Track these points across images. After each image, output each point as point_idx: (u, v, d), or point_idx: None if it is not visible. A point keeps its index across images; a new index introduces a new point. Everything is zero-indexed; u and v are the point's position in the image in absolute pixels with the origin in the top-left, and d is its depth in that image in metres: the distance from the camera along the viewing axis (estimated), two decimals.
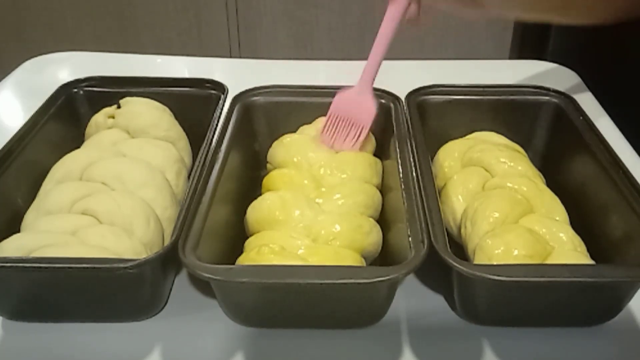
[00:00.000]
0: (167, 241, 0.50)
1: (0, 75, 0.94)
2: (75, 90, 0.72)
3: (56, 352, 0.52)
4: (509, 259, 0.52)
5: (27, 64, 0.98)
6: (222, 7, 1.81)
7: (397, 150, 0.61)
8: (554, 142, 0.69)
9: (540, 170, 0.64)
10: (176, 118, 0.70)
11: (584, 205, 0.60)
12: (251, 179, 0.67)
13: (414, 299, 0.56)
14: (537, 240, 0.54)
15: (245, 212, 0.59)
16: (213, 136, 0.62)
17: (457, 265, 0.47)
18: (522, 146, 0.68)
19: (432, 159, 0.67)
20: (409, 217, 0.52)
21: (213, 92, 0.71)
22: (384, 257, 0.58)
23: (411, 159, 0.60)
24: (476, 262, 0.54)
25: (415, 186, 0.56)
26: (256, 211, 0.58)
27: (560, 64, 0.96)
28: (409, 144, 0.62)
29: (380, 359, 0.52)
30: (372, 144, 0.68)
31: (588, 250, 0.55)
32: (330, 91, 0.67)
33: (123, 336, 0.53)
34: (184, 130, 0.69)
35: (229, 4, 1.80)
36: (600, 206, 0.58)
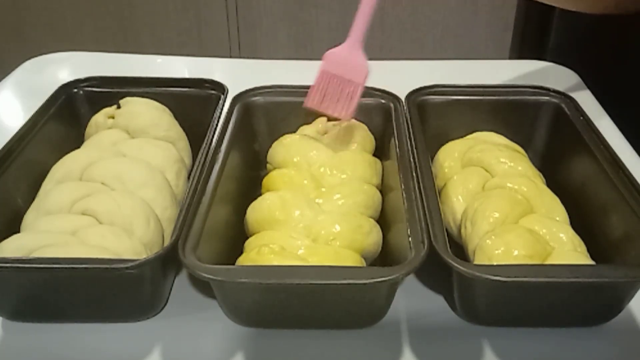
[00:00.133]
0: (167, 241, 0.50)
1: (0, 75, 0.94)
2: (75, 90, 0.72)
3: (56, 352, 0.52)
4: (509, 259, 0.52)
5: (27, 64, 0.98)
6: (222, 7, 1.81)
7: (397, 150, 0.61)
8: (554, 142, 0.69)
9: (540, 170, 0.64)
10: (176, 118, 0.70)
11: (584, 205, 0.60)
12: (251, 179, 0.67)
13: (414, 299, 0.56)
14: (537, 241, 0.54)
15: (245, 212, 0.59)
16: (213, 136, 0.62)
17: (457, 265, 0.47)
18: (522, 146, 0.68)
19: (432, 159, 0.67)
20: (409, 217, 0.52)
21: (213, 92, 0.71)
22: (384, 257, 0.58)
23: (411, 159, 0.60)
24: (476, 262, 0.54)
25: (415, 186, 0.56)
26: (256, 211, 0.58)
27: (560, 64, 0.96)
28: (409, 144, 0.62)
29: (380, 359, 0.52)
30: (372, 144, 0.68)
31: (588, 250, 0.55)
32: None
33: (123, 336, 0.53)
34: (184, 130, 0.69)
35: (229, 4, 1.80)
36: (600, 206, 0.58)
